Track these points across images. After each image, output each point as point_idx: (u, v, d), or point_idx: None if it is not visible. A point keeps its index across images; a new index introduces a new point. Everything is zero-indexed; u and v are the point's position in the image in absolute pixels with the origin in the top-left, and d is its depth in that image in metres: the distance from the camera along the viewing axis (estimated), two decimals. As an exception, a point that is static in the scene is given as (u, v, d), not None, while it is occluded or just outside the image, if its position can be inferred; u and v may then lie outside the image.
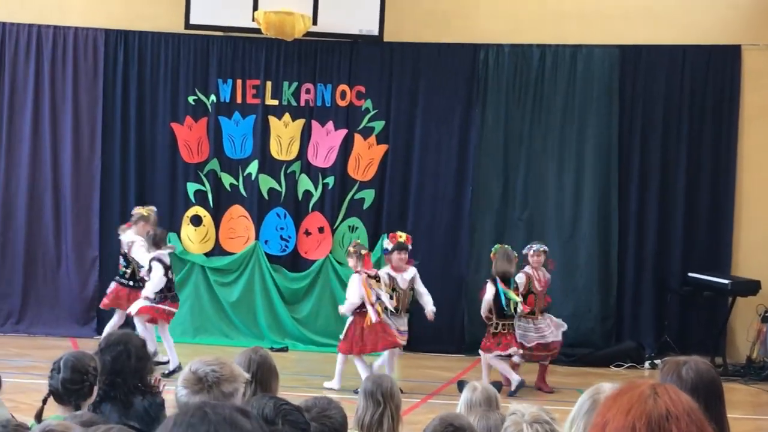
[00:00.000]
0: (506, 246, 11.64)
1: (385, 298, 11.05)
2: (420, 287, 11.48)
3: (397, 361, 11.48)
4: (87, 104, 13.93)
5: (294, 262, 14.12)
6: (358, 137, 14.01)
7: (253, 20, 13.20)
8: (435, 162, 13.98)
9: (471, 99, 13.94)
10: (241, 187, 14.04)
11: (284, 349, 13.48)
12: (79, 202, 13.90)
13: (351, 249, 11.34)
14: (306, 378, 11.65)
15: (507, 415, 4.17)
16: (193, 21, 13.60)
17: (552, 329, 11.56)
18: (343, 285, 12.33)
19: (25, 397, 8.69)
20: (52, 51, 13.89)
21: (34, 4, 13.97)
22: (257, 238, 14.01)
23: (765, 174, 13.65)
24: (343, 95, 14.00)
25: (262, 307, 13.87)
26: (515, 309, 11.27)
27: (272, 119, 14.03)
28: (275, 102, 14.03)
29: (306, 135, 14.05)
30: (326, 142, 14.01)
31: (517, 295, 11.30)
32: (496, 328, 11.29)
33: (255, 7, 13.24)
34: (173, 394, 4.05)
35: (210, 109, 14.02)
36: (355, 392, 10.38)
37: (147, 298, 11.38)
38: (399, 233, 11.62)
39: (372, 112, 13.99)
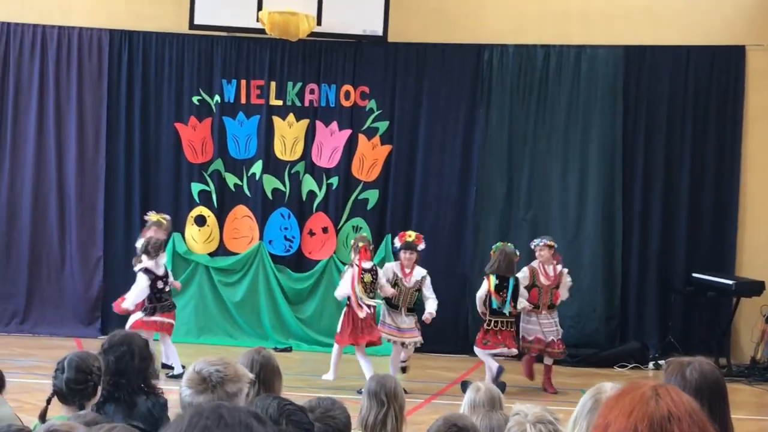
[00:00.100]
0: (509, 245, 11.59)
1: (361, 293, 11.04)
2: (428, 292, 11.38)
3: (405, 355, 11.46)
4: (91, 104, 13.95)
5: (298, 262, 14.12)
6: (362, 137, 14.01)
7: (258, 20, 13.21)
8: (439, 162, 13.98)
9: (475, 99, 13.94)
10: (245, 187, 14.05)
11: (288, 349, 13.49)
12: (84, 202, 13.92)
13: (352, 241, 11.52)
14: (310, 378, 11.64)
15: (510, 416, 4.17)
16: (197, 21, 13.61)
17: (555, 329, 11.52)
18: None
19: (30, 397, 8.71)
20: (57, 51, 13.91)
21: (38, 5, 13.99)
22: (261, 238, 14.01)
23: (769, 174, 13.68)
24: (347, 95, 14.00)
25: (266, 307, 13.88)
26: (514, 308, 11.28)
27: (276, 119, 14.04)
28: (279, 102, 14.04)
29: (310, 135, 14.06)
30: (330, 143, 14.01)
31: (504, 294, 11.24)
32: (488, 325, 11.32)
33: (259, 8, 13.25)
34: (176, 394, 4.05)
35: (214, 110, 14.03)
36: (359, 392, 10.43)
37: (128, 310, 11.33)
38: (409, 233, 11.59)
39: (376, 113, 14.00)
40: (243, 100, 14.04)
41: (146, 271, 11.19)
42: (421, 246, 11.40)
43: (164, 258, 11.53)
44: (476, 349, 11.47)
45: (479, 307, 11.47)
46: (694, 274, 13.42)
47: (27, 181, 13.88)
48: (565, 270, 11.75)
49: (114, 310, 11.65)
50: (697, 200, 13.71)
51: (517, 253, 11.53)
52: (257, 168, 14.01)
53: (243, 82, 14.03)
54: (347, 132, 14.01)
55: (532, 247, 11.81)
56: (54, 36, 13.92)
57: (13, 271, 13.91)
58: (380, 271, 11.31)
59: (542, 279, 11.53)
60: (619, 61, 13.74)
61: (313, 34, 13.36)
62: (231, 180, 14.05)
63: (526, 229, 13.65)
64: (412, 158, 14.04)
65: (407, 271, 11.34)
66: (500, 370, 11.09)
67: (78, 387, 4.77)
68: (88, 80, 13.95)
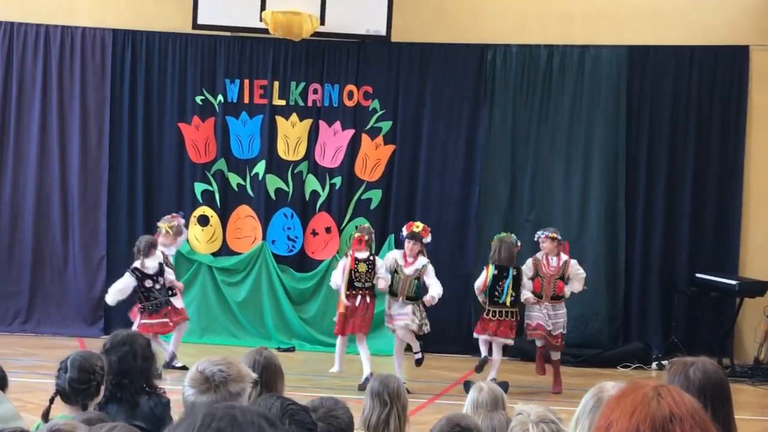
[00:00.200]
0: (511, 235, 11.61)
1: (344, 287, 11.21)
2: (430, 279, 11.27)
3: (402, 339, 11.38)
4: (95, 104, 13.95)
5: (301, 262, 14.12)
6: (365, 137, 14.01)
7: (261, 20, 13.21)
8: (442, 162, 13.99)
9: (478, 99, 13.94)
10: (248, 187, 14.05)
11: (291, 349, 13.50)
12: (87, 202, 13.92)
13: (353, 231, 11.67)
14: (313, 378, 11.65)
15: (513, 416, 4.17)
16: (200, 21, 13.61)
17: (560, 321, 11.45)
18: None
19: (32, 396, 8.70)
20: (60, 51, 13.92)
21: (42, 4, 13.99)
22: (264, 238, 14.01)
23: (772, 174, 13.67)
24: (351, 95, 14.00)
25: (269, 307, 13.88)
26: (514, 299, 11.28)
27: (279, 119, 14.04)
28: (282, 102, 14.04)
29: (313, 135, 14.06)
30: (333, 143, 14.01)
31: (503, 284, 11.27)
32: (487, 314, 11.36)
33: (263, 7, 13.25)
34: (178, 393, 4.05)
35: (217, 109, 14.03)
36: (361, 388, 10.43)
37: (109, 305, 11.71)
38: (417, 223, 11.56)
39: (379, 113, 14.00)
40: (246, 100, 14.04)
41: (133, 270, 11.30)
42: (427, 239, 11.32)
43: (157, 258, 11.52)
44: (474, 335, 11.62)
45: (478, 296, 11.57)
46: (698, 275, 13.41)
47: (30, 180, 13.89)
48: (573, 261, 11.63)
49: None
50: (700, 200, 13.70)
51: (518, 244, 11.51)
52: (260, 168, 14.01)
53: (246, 81, 14.03)
54: (350, 132, 14.02)
55: (536, 239, 11.78)
56: (57, 36, 13.93)
57: (16, 270, 13.92)
58: (379, 261, 11.30)
59: (545, 269, 11.49)
60: (622, 61, 13.74)
61: (316, 33, 13.36)
62: (234, 180, 14.06)
63: (529, 229, 13.60)
64: (416, 158, 14.04)
65: (409, 260, 11.27)
66: (484, 361, 11.17)
67: (81, 387, 4.78)
68: (91, 80, 13.96)
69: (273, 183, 14.02)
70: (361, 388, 10.85)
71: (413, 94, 14.02)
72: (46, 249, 13.96)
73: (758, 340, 13.28)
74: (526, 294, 11.37)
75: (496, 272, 11.36)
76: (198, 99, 14.01)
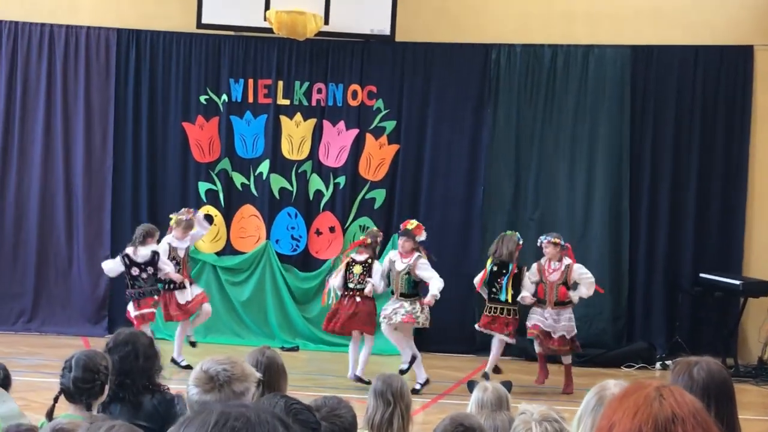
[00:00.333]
0: (516, 233, 11.60)
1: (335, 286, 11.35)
2: (424, 273, 11.07)
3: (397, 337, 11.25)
4: (99, 104, 13.97)
5: (305, 261, 14.13)
6: (369, 137, 14.02)
7: (265, 20, 13.22)
8: (446, 162, 13.99)
9: (482, 99, 13.94)
10: (252, 186, 14.06)
11: (295, 349, 13.50)
12: (91, 202, 13.94)
13: None
14: (316, 377, 11.67)
15: (516, 415, 4.17)
16: (204, 20, 13.62)
17: (562, 325, 11.34)
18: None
19: (37, 395, 8.72)
20: (64, 50, 13.93)
21: (45, 4, 14.01)
22: (268, 237, 14.02)
23: (777, 174, 13.66)
24: (355, 95, 14.01)
25: (273, 306, 13.89)
26: (512, 297, 11.29)
27: (284, 119, 14.05)
28: (287, 102, 14.05)
29: (317, 135, 14.07)
30: (337, 142, 14.02)
31: (501, 280, 11.30)
32: (487, 311, 11.43)
33: (267, 7, 13.26)
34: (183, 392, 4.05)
35: (221, 109, 14.05)
36: (357, 380, 10.45)
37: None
38: (411, 221, 11.57)
39: (383, 112, 14.00)
40: (250, 100, 14.05)
41: (124, 255, 11.48)
42: (421, 237, 11.21)
43: (151, 248, 11.56)
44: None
45: (480, 291, 11.66)
46: (702, 275, 13.41)
47: (34, 181, 13.90)
48: (577, 265, 11.50)
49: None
50: (704, 200, 13.69)
51: (520, 242, 11.48)
52: (264, 167, 14.02)
53: (250, 81, 14.04)
54: (354, 131, 14.02)
55: (538, 244, 11.72)
56: (61, 35, 13.94)
57: (20, 270, 13.94)
58: (376, 266, 11.24)
59: (547, 274, 11.43)
60: (626, 61, 13.73)
61: (320, 33, 13.36)
62: (238, 179, 14.07)
63: (533, 228, 13.63)
64: (420, 158, 14.04)
65: (404, 258, 11.16)
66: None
67: (85, 386, 4.78)
68: (95, 80, 13.97)
69: (277, 182, 14.03)
70: (357, 379, 10.98)
71: (417, 93, 14.02)
72: (50, 249, 13.98)
73: (762, 340, 13.26)
74: (524, 293, 11.33)
75: (495, 268, 11.36)
76: (202, 98, 14.02)
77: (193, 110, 14.04)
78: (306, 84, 14.02)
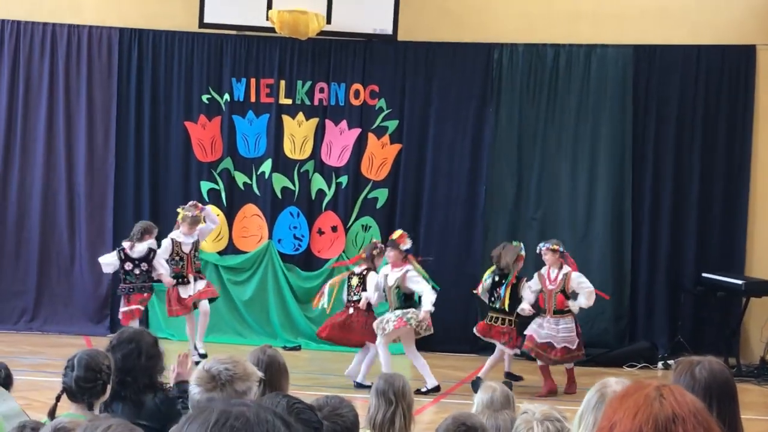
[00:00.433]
0: (519, 244, 11.57)
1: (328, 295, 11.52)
2: (414, 285, 10.99)
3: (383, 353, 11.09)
4: (101, 103, 13.97)
5: (307, 261, 14.13)
6: (371, 136, 14.02)
7: (267, 19, 13.21)
8: (449, 161, 13.98)
9: (485, 98, 13.94)
10: (254, 185, 14.06)
11: (297, 348, 13.51)
12: (93, 201, 13.95)
13: None
14: (318, 377, 11.66)
15: (519, 414, 4.18)
16: (207, 20, 13.62)
17: (561, 336, 11.16)
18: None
19: (39, 394, 8.72)
20: (67, 50, 13.94)
21: (48, 3, 14.01)
22: (270, 237, 14.03)
23: (779, 174, 13.65)
24: (357, 94, 14.01)
25: (275, 305, 13.89)
26: (508, 306, 11.26)
27: (286, 118, 14.05)
28: (289, 101, 14.05)
29: (319, 134, 14.07)
30: (340, 142, 14.02)
31: (500, 290, 11.31)
32: (487, 318, 11.49)
33: (269, 6, 13.25)
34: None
35: (224, 108, 14.05)
36: (361, 387, 10.44)
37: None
38: (396, 231, 11.63)
39: (385, 112, 14.00)
40: (252, 99, 14.06)
41: (120, 249, 11.61)
42: (405, 246, 11.13)
43: (148, 245, 11.58)
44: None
45: (479, 294, 11.71)
46: (704, 274, 13.40)
47: (37, 179, 13.91)
48: (576, 274, 11.30)
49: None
50: (707, 200, 13.68)
51: (522, 253, 11.45)
52: (267, 167, 14.02)
53: (253, 80, 14.05)
54: (357, 131, 14.02)
55: (537, 251, 11.56)
56: (64, 34, 13.95)
57: (22, 269, 13.95)
58: (371, 277, 11.24)
59: (546, 283, 11.27)
60: (628, 61, 13.72)
61: (322, 32, 13.36)
62: (240, 179, 14.07)
63: (535, 228, 13.64)
64: (422, 157, 14.04)
65: (395, 270, 11.08)
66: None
67: (87, 385, 4.78)
68: (97, 79, 13.98)
69: (279, 182, 14.03)
70: (358, 386, 11.00)
71: (420, 93, 14.02)
72: (52, 248, 13.99)
73: (765, 340, 13.25)
74: (523, 305, 11.26)
75: (496, 278, 11.38)
76: (204, 98, 14.02)
77: (196, 109, 14.04)
78: (308, 83, 14.02)
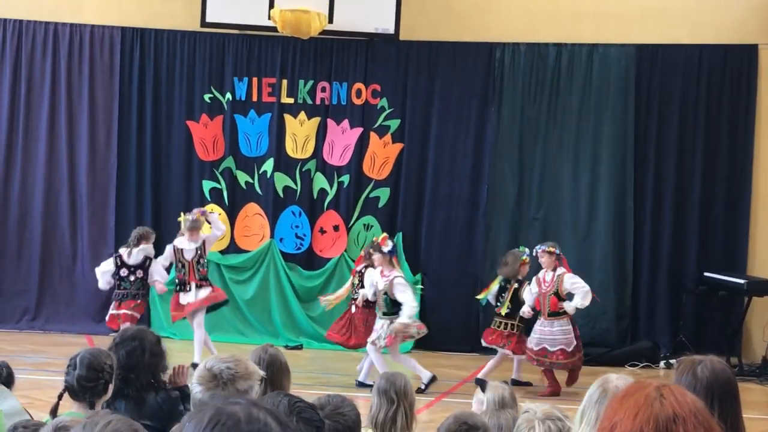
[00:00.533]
0: (524, 250, 11.56)
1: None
2: (398, 295, 10.82)
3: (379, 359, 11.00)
4: (103, 102, 13.98)
5: (309, 260, 14.13)
6: (373, 136, 14.02)
7: (269, 18, 13.21)
8: (450, 161, 13.98)
9: (487, 98, 13.93)
10: (256, 185, 14.06)
11: (299, 347, 13.51)
12: (95, 200, 13.95)
13: None
14: (320, 376, 11.66)
15: (520, 414, 4.18)
16: (209, 19, 13.62)
17: (553, 338, 11.08)
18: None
19: (41, 393, 8.72)
20: (69, 49, 13.94)
21: (50, 2, 14.02)
22: (272, 236, 14.03)
23: (781, 173, 13.65)
24: (359, 93, 14.01)
25: (277, 304, 13.90)
26: (510, 311, 11.29)
27: (288, 117, 14.05)
28: (291, 100, 14.05)
29: (321, 133, 14.07)
30: (342, 141, 14.02)
31: (504, 295, 11.39)
32: (492, 324, 11.52)
33: (271, 5, 13.25)
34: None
35: (226, 107, 14.05)
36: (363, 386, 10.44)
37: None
38: (382, 235, 11.68)
39: (387, 111, 14.00)
40: (254, 98, 14.06)
41: (117, 255, 11.57)
42: (386, 247, 11.02)
43: (144, 252, 11.51)
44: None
45: (480, 298, 11.83)
46: (706, 274, 13.39)
47: (39, 179, 13.92)
48: (569, 275, 11.19)
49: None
50: (708, 199, 13.68)
51: (525, 258, 11.41)
52: (268, 166, 14.02)
53: (254, 80, 14.05)
54: (358, 130, 14.02)
55: (533, 254, 11.47)
56: (66, 34, 13.95)
57: (24, 268, 13.96)
58: (367, 274, 11.23)
59: (542, 285, 11.20)
60: (631, 60, 13.72)
61: (324, 32, 13.36)
62: (242, 178, 14.07)
63: (537, 228, 13.64)
64: (424, 157, 14.04)
65: (385, 273, 10.96)
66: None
67: (89, 384, 4.78)
68: (99, 78, 13.99)
69: (281, 181, 14.04)
70: (360, 385, 11.01)
71: (421, 92, 14.02)
72: (54, 247, 14.00)
73: (767, 339, 13.25)
74: (524, 308, 11.24)
75: (502, 283, 11.45)
76: (206, 97, 14.03)
77: (197, 109, 14.05)
78: (310, 82, 14.03)
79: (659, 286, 13.79)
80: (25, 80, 13.92)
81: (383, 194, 14.02)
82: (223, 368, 3.97)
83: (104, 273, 11.64)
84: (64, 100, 13.92)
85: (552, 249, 11.25)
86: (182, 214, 11.97)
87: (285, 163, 14.07)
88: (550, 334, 11.10)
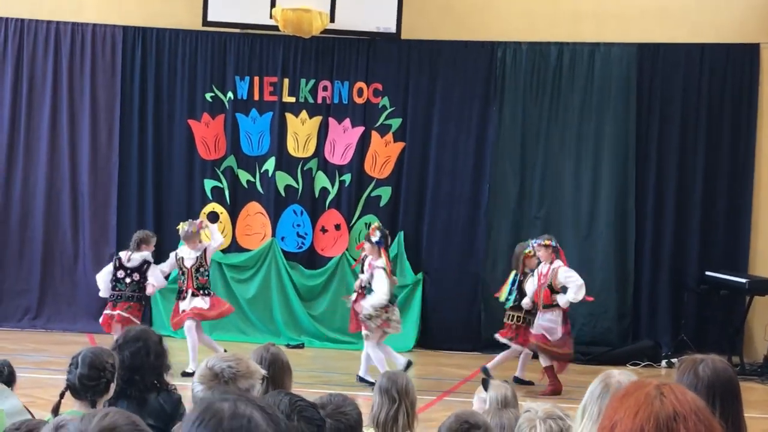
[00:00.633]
0: (529, 242, 11.57)
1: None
2: (374, 283, 10.92)
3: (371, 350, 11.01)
4: (105, 101, 13.98)
5: (310, 259, 14.13)
6: (375, 135, 14.02)
7: (271, 17, 13.22)
8: (452, 160, 13.98)
9: (488, 97, 13.93)
10: (257, 184, 14.07)
11: (300, 346, 13.50)
12: (97, 199, 13.95)
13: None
14: (322, 375, 11.66)
15: (522, 413, 4.18)
16: (210, 18, 13.63)
17: (546, 326, 11.10)
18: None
19: (42, 392, 8.73)
20: (70, 48, 13.95)
21: (51, 1, 14.02)
22: (274, 235, 14.03)
23: (783, 172, 13.64)
24: (360, 92, 14.01)
25: (279, 303, 13.90)
26: (515, 302, 11.34)
27: (289, 116, 14.05)
28: (292, 99, 14.05)
29: (323, 132, 14.07)
30: (343, 140, 14.02)
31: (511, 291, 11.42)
32: (506, 319, 11.51)
33: (272, 4, 13.25)
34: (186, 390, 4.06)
35: (227, 106, 14.05)
36: (362, 381, 10.44)
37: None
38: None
39: (389, 110, 14.00)
40: (256, 97, 14.07)
41: (116, 258, 11.55)
42: (374, 238, 11.02)
43: (143, 256, 11.45)
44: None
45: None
46: (708, 273, 13.39)
47: (40, 178, 13.93)
48: (563, 268, 11.14)
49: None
50: (710, 198, 13.67)
51: (528, 251, 11.41)
52: (270, 165, 14.03)
53: (256, 78, 14.05)
54: (360, 129, 14.02)
55: (530, 248, 11.46)
56: (67, 32, 13.96)
57: (26, 267, 13.97)
58: (366, 262, 11.22)
59: (540, 279, 11.21)
60: (632, 59, 13.71)
61: (326, 31, 13.35)
62: (244, 177, 14.08)
63: (538, 227, 13.62)
64: (425, 156, 14.03)
65: (370, 262, 11.08)
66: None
67: (90, 383, 4.78)
68: (101, 77, 13.99)
69: (283, 180, 14.04)
70: (360, 380, 11.01)
71: (423, 91, 14.02)
72: (56, 246, 14.00)
73: (768, 339, 13.27)
74: (525, 299, 11.28)
75: (515, 277, 11.48)
76: (208, 96, 14.03)
77: (199, 108, 14.05)
78: (312, 81, 14.03)
79: (661, 285, 13.78)
80: (27, 79, 13.93)
81: (385, 193, 14.02)
82: (225, 367, 3.97)
83: (104, 280, 11.53)
84: (65, 100, 13.93)
85: (548, 242, 11.23)
86: (181, 223, 11.89)
87: (286, 162, 14.07)
88: (540, 326, 11.14)
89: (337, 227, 14.08)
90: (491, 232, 13.82)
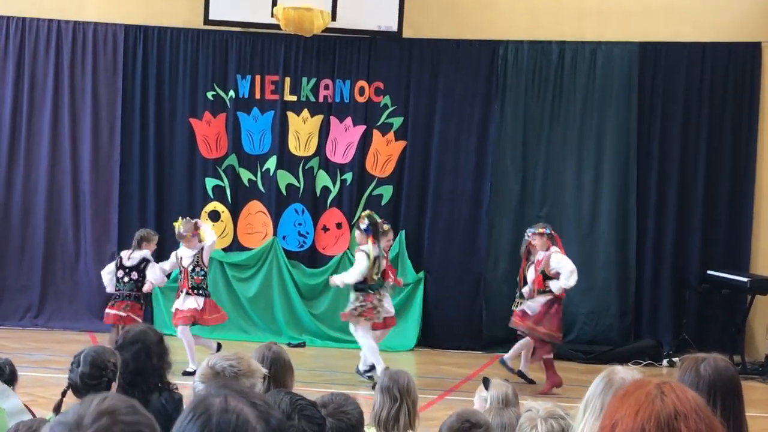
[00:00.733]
0: (529, 229, 11.61)
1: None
2: (353, 265, 11.29)
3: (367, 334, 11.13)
4: (106, 100, 13.98)
5: (312, 257, 14.13)
6: (376, 133, 14.02)
7: (272, 16, 13.22)
8: (453, 158, 13.97)
9: (490, 95, 13.92)
10: (259, 182, 14.07)
11: (302, 345, 13.50)
12: (98, 197, 13.96)
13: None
14: (323, 374, 11.66)
15: (522, 412, 4.18)
16: (212, 17, 13.64)
17: (531, 304, 11.13)
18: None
19: (44, 391, 8.72)
20: (72, 46, 13.95)
21: (53, 0, 14.01)
22: (275, 233, 14.03)
23: (785, 171, 13.63)
24: (362, 91, 14.00)
25: (280, 302, 13.90)
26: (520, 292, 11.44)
27: (291, 115, 14.05)
28: (294, 98, 14.05)
29: (324, 131, 14.07)
30: (345, 138, 14.02)
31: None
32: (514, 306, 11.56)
33: (274, 3, 13.26)
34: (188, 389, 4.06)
35: (228, 105, 14.05)
36: (365, 376, 10.46)
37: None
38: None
39: (390, 108, 13.99)
40: (257, 96, 14.06)
41: (118, 257, 11.62)
42: (362, 225, 11.13)
43: (143, 254, 11.45)
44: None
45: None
46: (709, 272, 13.39)
47: (42, 176, 13.93)
48: (556, 255, 11.08)
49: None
50: (712, 197, 13.66)
51: (527, 238, 11.41)
52: (271, 163, 14.03)
53: (257, 77, 14.05)
54: (361, 128, 14.02)
55: (526, 238, 11.49)
56: (69, 31, 13.96)
57: (27, 265, 13.97)
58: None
59: (538, 266, 11.22)
60: (634, 58, 13.70)
61: (327, 29, 13.35)
62: (245, 175, 14.08)
63: (540, 225, 13.63)
64: (427, 154, 14.03)
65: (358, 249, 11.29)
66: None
67: (92, 382, 4.78)
68: (102, 75, 13.99)
69: (284, 179, 14.04)
70: (358, 372, 11.09)
71: (424, 90, 14.01)
72: (57, 244, 14.01)
73: (770, 337, 13.27)
74: (525, 288, 11.34)
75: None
76: (209, 94, 14.03)
77: (200, 106, 14.05)
78: (313, 80, 14.03)
79: (662, 283, 13.78)
80: (28, 78, 13.93)
81: (386, 192, 14.01)
82: (226, 366, 3.97)
83: (109, 275, 11.54)
84: (67, 98, 13.93)
85: (542, 230, 11.23)
86: (179, 218, 11.84)
87: (288, 161, 14.07)
88: (528, 307, 11.13)
89: (339, 226, 14.08)
90: (493, 230, 13.81)
